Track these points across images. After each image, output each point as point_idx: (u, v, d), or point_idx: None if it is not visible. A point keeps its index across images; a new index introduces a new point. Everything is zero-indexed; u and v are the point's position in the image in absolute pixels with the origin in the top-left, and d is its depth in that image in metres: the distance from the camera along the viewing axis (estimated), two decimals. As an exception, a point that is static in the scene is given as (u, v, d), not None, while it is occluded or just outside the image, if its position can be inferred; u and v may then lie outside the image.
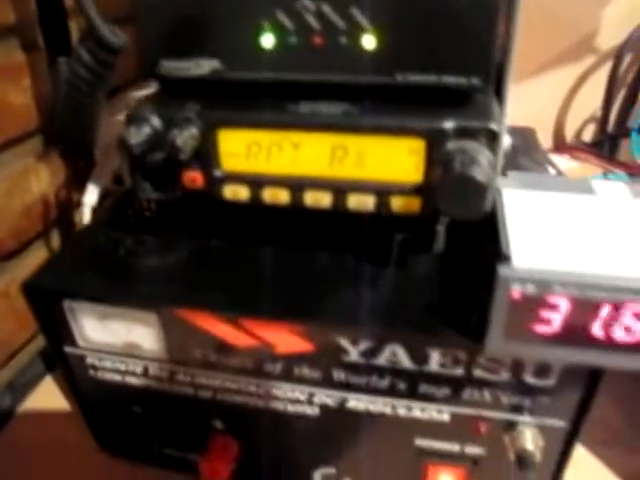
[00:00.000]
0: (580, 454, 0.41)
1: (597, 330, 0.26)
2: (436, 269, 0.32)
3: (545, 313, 0.26)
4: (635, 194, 0.31)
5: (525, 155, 0.44)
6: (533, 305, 0.25)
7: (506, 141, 0.34)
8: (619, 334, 0.26)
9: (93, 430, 0.40)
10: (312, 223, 0.35)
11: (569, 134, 0.75)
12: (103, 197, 0.48)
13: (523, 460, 0.30)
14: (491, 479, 0.34)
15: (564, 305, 0.25)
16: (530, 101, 0.70)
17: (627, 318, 0.25)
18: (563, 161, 0.69)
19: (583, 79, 0.71)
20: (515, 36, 0.28)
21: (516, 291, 0.25)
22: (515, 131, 0.48)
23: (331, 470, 0.36)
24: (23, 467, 0.41)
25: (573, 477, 0.36)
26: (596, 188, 0.32)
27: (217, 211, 0.36)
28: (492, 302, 0.26)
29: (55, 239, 0.53)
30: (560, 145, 0.75)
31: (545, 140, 0.71)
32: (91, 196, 0.51)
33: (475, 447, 0.33)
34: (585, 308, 0.25)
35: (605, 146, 0.70)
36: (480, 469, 0.34)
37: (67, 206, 0.54)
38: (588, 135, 0.74)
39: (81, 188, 0.53)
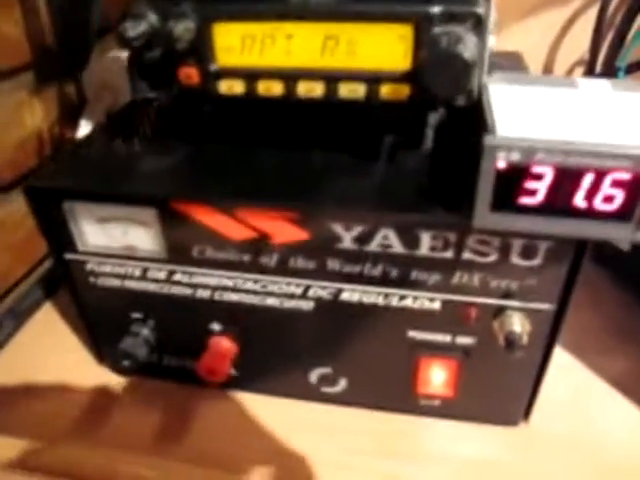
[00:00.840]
0: (567, 360, 0.43)
1: (580, 200, 0.27)
2: (425, 164, 0.34)
3: (530, 184, 0.27)
4: (616, 88, 0.33)
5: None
6: (518, 175, 0.27)
7: (491, 41, 0.35)
8: (600, 203, 0.27)
9: (94, 342, 0.41)
10: (306, 126, 0.36)
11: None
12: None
13: (511, 342, 0.32)
14: (481, 372, 0.36)
15: (548, 174, 0.27)
16: (518, 45, 0.72)
17: (608, 186, 0.27)
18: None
19: (571, 22, 0.72)
20: None
21: (501, 159, 0.26)
22: (502, 54, 0.49)
23: (327, 370, 0.38)
24: (24, 386, 0.43)
25: (561, 380, 0.39)
26: (579, 83, 0.33)
27: (211, 118, 0.37)
28: (479, 174, 0.27)
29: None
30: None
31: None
32: (84, 131, 0.52)
33: (466, 337, 0.34)
34: (568, 177, 0.27)
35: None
36: (471, 361, 0.35)
37: (61, 141, 0.55)
38: (577, 77, 0.75)
39: (74, 124, 0.54)
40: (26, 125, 0.51)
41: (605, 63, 0.71)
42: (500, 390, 0.37)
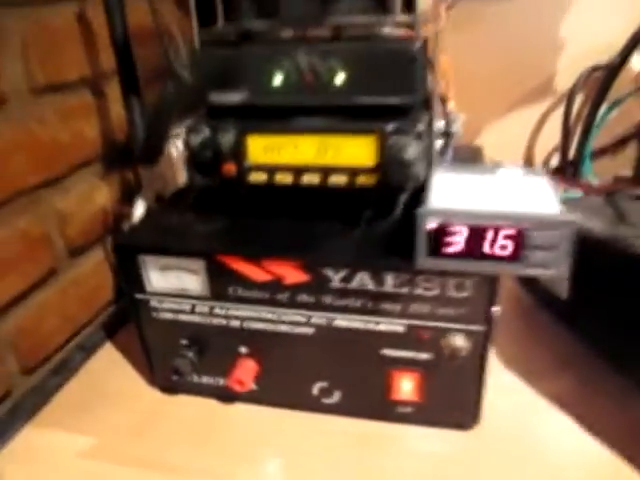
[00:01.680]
0: (514, 382, 0.59)
1: (486, 248, 0.45)
2: (391, 229, 0.52)
3: (451, 238, 0.45)
4: (526, 175, 0.51)
5: (471, 163, 0.64)
6: (443, 232, 0.45)
7: (438, 143, 0.55)
8: (499, 250, 0.45)
9: (149, 364, 0.59)
10: (307, 206, 0.55)
11: (538, 163, 0.95)
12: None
13: (453, 355, 0.49)
14: (438, 381, 0.52)
15: (464, 231, 0.44)
16: (502, 137, 0.92)
17: (502, 238, 0.44)
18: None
19: (545, 116, 0.92)
20: (437, 75, 0.50)
21: (431, 222, 0.44)
22: (464, 148, 0.69)
23: (325, 383, 0.55)
24: (95, 400, 0.60)
25: (507, 397, 0.55)
26: (499, 172, 0.52)
27: (242, 201, 0.57)
28: (417, 233, 0.45)
29: (109, 242, 0.74)
30: (532, 173, 0.95)
31: (516, 168, 0.91)
32: (139, 209, 0.71)
33: (424, 353, 0.51)
34: (476, 232, 0.44)
35: (568, 171, 0.90)
36: (430, 372, 0.52)
37: (120, 216, 0.74)
38: (555, 163, 0.94)
39: (130, 203, 0.74)
40: (96, 203, 0.71)
41: (577, 150, 0.91)
42: (454, 397, 0.53)
